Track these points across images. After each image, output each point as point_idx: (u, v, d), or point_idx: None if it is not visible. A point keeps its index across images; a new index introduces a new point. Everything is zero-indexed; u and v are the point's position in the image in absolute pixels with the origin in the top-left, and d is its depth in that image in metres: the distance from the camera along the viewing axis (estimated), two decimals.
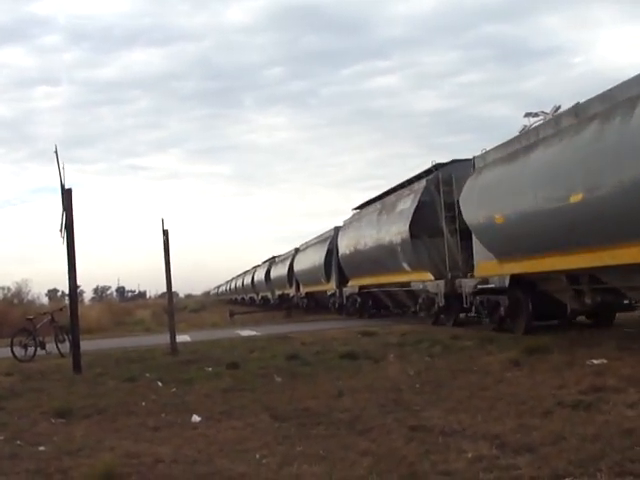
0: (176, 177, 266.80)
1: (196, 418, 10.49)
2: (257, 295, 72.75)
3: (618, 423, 7.91)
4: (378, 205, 31.09)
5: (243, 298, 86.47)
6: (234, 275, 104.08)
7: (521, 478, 6.35)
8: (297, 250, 51.50)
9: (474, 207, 19.82)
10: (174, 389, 13.62)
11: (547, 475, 6.34)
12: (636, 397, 9.25)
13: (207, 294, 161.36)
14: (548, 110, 18.59)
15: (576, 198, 14.26)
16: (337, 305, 39.21)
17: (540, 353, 14.05)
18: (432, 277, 24.40)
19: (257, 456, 7.99)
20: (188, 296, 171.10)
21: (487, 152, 19.94)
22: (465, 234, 21.66)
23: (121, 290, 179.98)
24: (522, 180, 16.78)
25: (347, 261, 35.63)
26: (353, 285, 35.76)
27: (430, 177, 24.89)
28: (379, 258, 29.15)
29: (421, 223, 24.58)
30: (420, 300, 26.35)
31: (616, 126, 13.32)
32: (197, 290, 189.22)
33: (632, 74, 13.51)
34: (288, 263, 52.85)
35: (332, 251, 38.94)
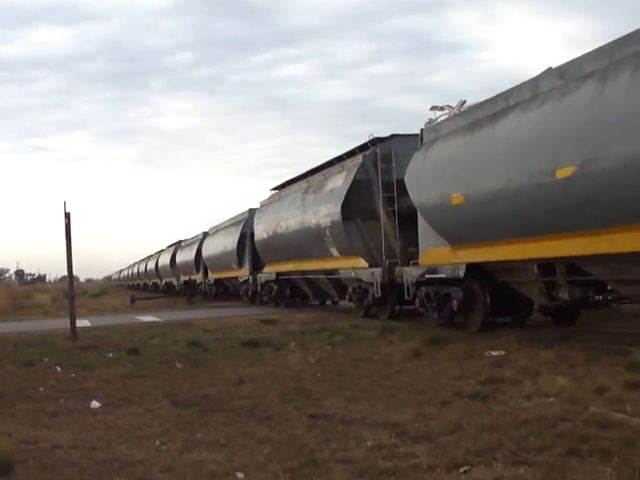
0: (81, 159, 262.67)
1: (95, 404, 10.34)
2: (161, 281, 70.31)
3: (514, 414, 8.06)
4: (303, 184, 28.47)
5: (146, 284, 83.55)
6: (137, 260, 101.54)
7: (419, 466, 6.42)
8: (206, 234, 49.13)
9: (424, 185, 17.14)
10: (73, 374, 13.37)
11: (445, 464, 6.41)
12: (532, 388, 9.46)
13: (109, 279, 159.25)
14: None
15: (564, 173, 12.06)
16: (250, 293, 37.32)
17: (440, 344, 14.24)
18: (366, 264, 22.06)
19: (157, 442, 7.93)
20: (89, 280, 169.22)
21: (440, 123, 17.98)
22: (404, 217, 19.95)
23: (20, 273, 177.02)
24: (489, 153, 14.41)
25: (264, 246, 32.90)
26: (269, 272, 33.30)
27: (367, 153, 22.49)
28: (302, 242, 26.79)
29: (355, 204, 22.20)
30: (350, 290, 24.18)
31: (623, 85, 11.13)
32: (99, 275, 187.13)
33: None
34: (195, 248, 50.75)
35: (246, 235, 36.56)
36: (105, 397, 10.82)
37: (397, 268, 20.24)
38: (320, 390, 10.49)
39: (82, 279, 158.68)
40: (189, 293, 51.08)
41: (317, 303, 32.41)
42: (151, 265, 77.45)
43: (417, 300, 18.65)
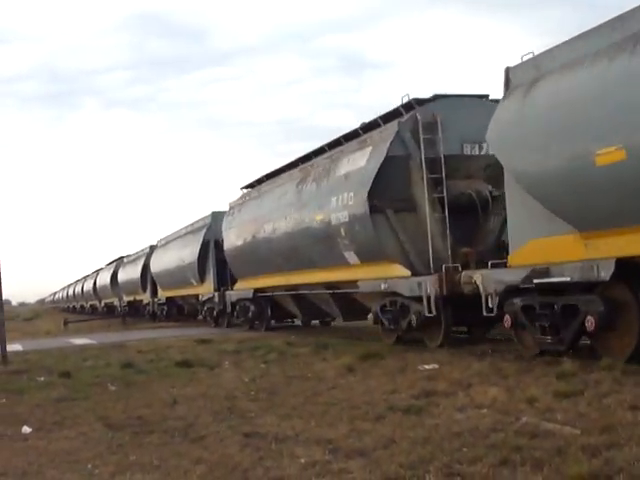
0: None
1: (26, 429, 10.15)
2: (100, 302, 64.92)
3: (448, 426, 8.10)
4: (296, 174, 22.46)
5: (82, 306, 78.62)
6: (72, 281, 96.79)
7: None
8: (153, 247, 43.64)
9: (530, 142, 12.12)
10: (3, 400, 13.11)
11: (378, 478, 6.42)
12: (465, 400, 9.53)
13: (42, 302, 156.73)
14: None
15: None
16: (215, 313, 31.81)
17: (374, 359, 14.28)
18: (406, 272, 16.24)
19: (89, 466, 7.81)
20: (22, 304, 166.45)
21: (549, 52, 12.38)
22: (454, 208, 15.88)
23: None
24: None
25: (237, 256, 27.29)
26: (244, 288, 27.58)
27: (404, 119, 16.79)
28: (298, 249, 21.13)
29: (386, 190, 16.44)
30: (376, 308, 17.90)
31: None
32: (32, 298, 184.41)
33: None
34: (141, 263, 45.29)
35: (209, 244, 31.71)
36: (37, 422, 10.63)
37: (463, 274, 14.84)
38: (254, 408, 10.45)
39: (14, 302, 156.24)
40: (124, 313, 48.91)
41: (299, 323, 28.21)
42: (88, 285, 71.47)
43: (507, 318, 13.21)
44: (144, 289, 45.41)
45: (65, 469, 7.82)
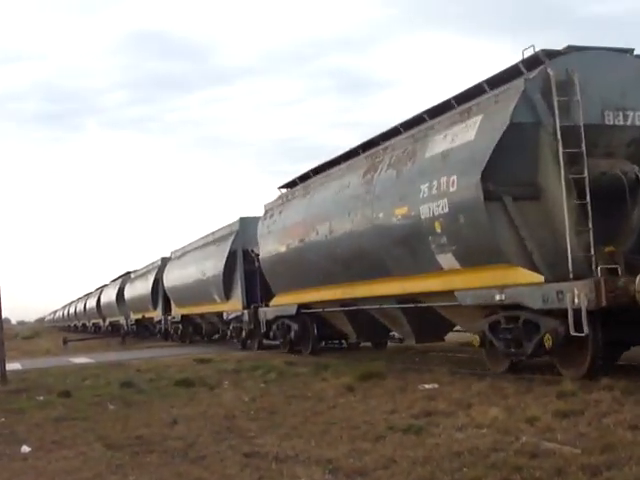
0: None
1: (26, 449, 10.11)
2: (104, 321, 61.26)
3: (448, 446, 8.08)
4: (360, 162, 18.43)
5: (85, 325, 75.95)
6: (74, 299, 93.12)
7: None
8: (166, 260, 39.78)
9: None
10: (3, 419, 13.09)
11: None
12: (465, 420, 9.50)
13: (41, 321, 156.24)
14: None
15: None
16: (244, 333, 27.81)
17: (374, 379, 14.26)
18: (538, 277, 12.44)
19: None
20: (21, 323, 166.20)
21: None
22: (595, 193, 12.26)
23: None
24: None
25: (277, 266, 23.05)
26: (285, 303, 23.22)
27: (532, 75, 13.00)
28: (368, 252, 16.94)
29: (504, 172, 12.89)
30: (485, 327, 13.75)
31: None
32: (31, 317, 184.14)
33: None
34: (152, 278, 41.35)
35: (236, 254, 27.64)
36: (36, 441, 10.60)
37: (638, 280, 11.23)
38: (254, 428, 10.42)
39: (14, 321, 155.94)
40: (124, 333, 47.88)
41: (342, 345, 24.23)
42: (91, 303, 67.58)
43: None
44: (155, 306, 41.53)
45: None
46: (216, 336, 33.69)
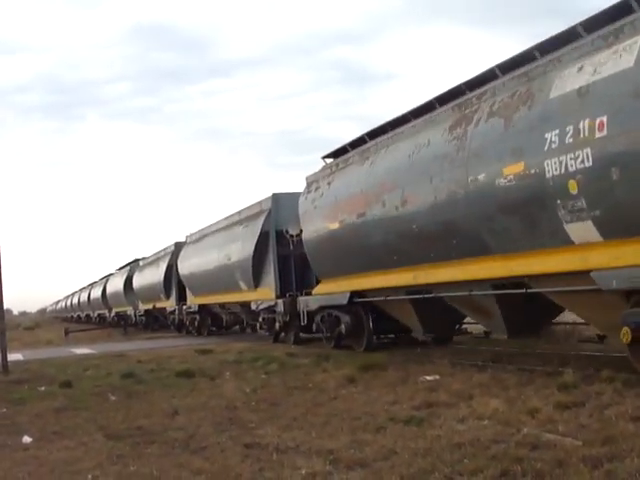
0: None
1: (27, 439, 10.15)
2: (110, 311, 57.89)
3: (449, 437, 8.06)
4: (442, 116, 14.79)
5: (88, 315, 72.79)
6: (77, 289, 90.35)
7: None
8: (180, 245, 36.22)
9: None
10: (4, 409, 13.17)
11: None
12: (466, 412, 9.49)
13: (43, 311, 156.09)
14: None
15: None
16: (278, 325, 24.22)
17: (375, 370, 14.25)
18: None
19: (89, 476, 7.81)
20: (23, 313, 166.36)
21: None
22: None
23: None
24: None
25: (326, 247, 19.47)
26: (333, 291, 19.52)
27: None
28: (459, 224, 13.45)
29: None
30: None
31: None
32: (33, 307, 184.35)
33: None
34: (165, 265, 38.17)
35: (268, 236, 23.99)
36: (37, 432, 10.63)
37: None
38: (255, 419, 10.41)
39: (15, 312, 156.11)
40: (124, 323, 47.40)
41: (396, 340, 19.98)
42: (96, 293, 64.36)
43: None
44: (168, 295, 38.33)
45: (65, 479, 7.84)
46: (236, 327, 31.92)
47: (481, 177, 12.66)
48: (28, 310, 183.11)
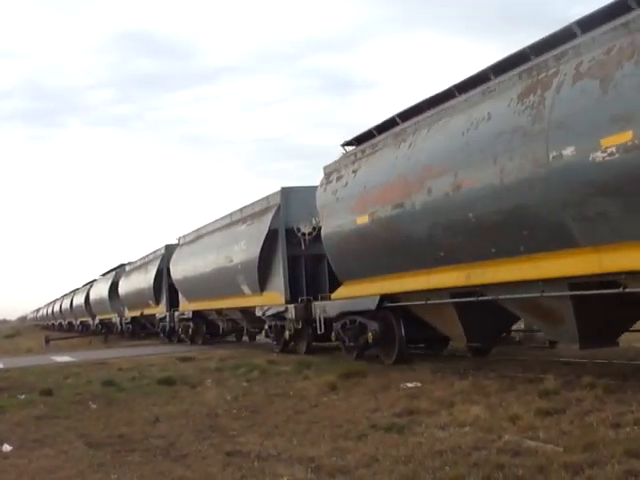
0: None
1: (7, 447, 10.10)
2: (93, 319, 55.73)
3: (430, 444, 8.07)
4: (505, 84, 12.31)
5: (70, 323, 70.65)
6: (59, 296, 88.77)
7: None
8: (172, 248, 34.29)
9: None
10: None
11: None
12: (448, 419, 9.50)
13: (24, 319, 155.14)
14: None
15: None
16: (288, 334, 21.66)
17: (356, 377, 14.24)
18: None
19: None
20: (2, 321, 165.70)
21: None
22: None
23: None
24: None
25: (349, 246, 17.11)
26: (358, 295, 17.11)
27: None
28: (530, 215, 11.39)
29: None
30: None
31: None
32: (13, 315, 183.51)
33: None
34: (155, 269, 36.15)
35: (276, 234, 21.69)
36: (17, 440, 10.57)
37: None
38: (236, 427, 10.40)
39: None
40: (106, 331, 46.65)
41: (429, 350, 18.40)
42: (79, 300, 61.90)
43: None
44: (157, 301, 36.22)
45: None
46: (232, 336, 30.58)
47: (568, 152, 10.36)
48: (8, 318, 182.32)
